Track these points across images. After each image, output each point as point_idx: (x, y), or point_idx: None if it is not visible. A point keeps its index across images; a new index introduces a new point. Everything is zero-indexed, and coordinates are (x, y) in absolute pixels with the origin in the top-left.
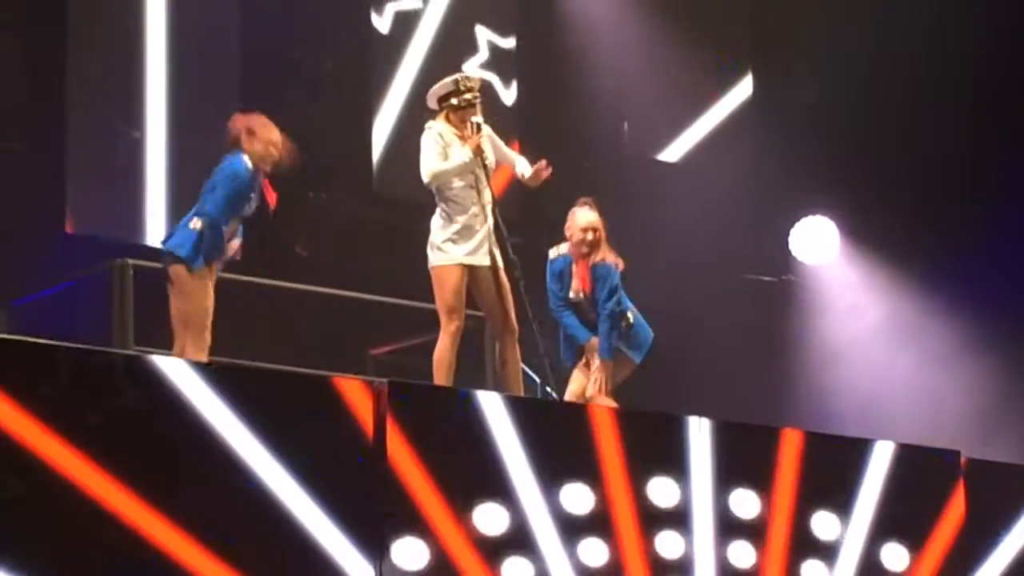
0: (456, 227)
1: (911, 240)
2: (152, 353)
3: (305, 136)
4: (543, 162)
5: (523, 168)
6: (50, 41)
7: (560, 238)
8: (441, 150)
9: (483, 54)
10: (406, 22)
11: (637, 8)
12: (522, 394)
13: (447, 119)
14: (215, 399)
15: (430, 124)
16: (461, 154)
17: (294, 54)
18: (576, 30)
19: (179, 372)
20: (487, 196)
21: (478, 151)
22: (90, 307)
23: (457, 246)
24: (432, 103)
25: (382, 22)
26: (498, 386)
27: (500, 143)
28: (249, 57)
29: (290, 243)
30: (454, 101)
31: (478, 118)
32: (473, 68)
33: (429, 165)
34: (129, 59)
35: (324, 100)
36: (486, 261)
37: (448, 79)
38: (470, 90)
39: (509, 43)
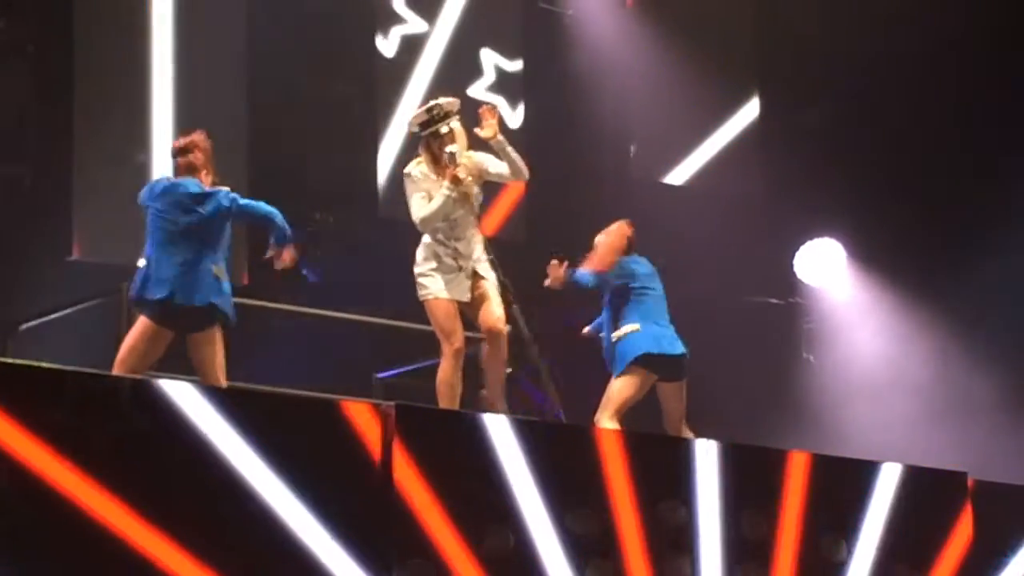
0: (433, 264)
1: (917, 262)
2: (158, 377)
3: (311, 158)
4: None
5: (496, 168)
6: (57, 67)
7: (565, 258)
8: (424, 193)
9: (489, 77)
10: (412, 45)
11: (643, 31)
12: (501, 396)
13: (428, 148)
14: (222, 423)
15: (408, 170)
16: (442, 189)
17: (300, 78)
18: (582, 53)
19: (186, 396)
20: (469, 232)
21: (455, 181)
22: (97, 332)
23: (436, 281)
24: (413, 128)
25: (388, 45)
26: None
27: (486, 157)
28: (255, 81)
29: (296, 267)
30: (432, 130)
31: (453, 147)
32: (479, 91)
33: (416, 212)
34: (136, 83)
35: (330, 124)
36: (466, 297)
37: (422, 108)
38: (444, 119)
39: (515, 66)
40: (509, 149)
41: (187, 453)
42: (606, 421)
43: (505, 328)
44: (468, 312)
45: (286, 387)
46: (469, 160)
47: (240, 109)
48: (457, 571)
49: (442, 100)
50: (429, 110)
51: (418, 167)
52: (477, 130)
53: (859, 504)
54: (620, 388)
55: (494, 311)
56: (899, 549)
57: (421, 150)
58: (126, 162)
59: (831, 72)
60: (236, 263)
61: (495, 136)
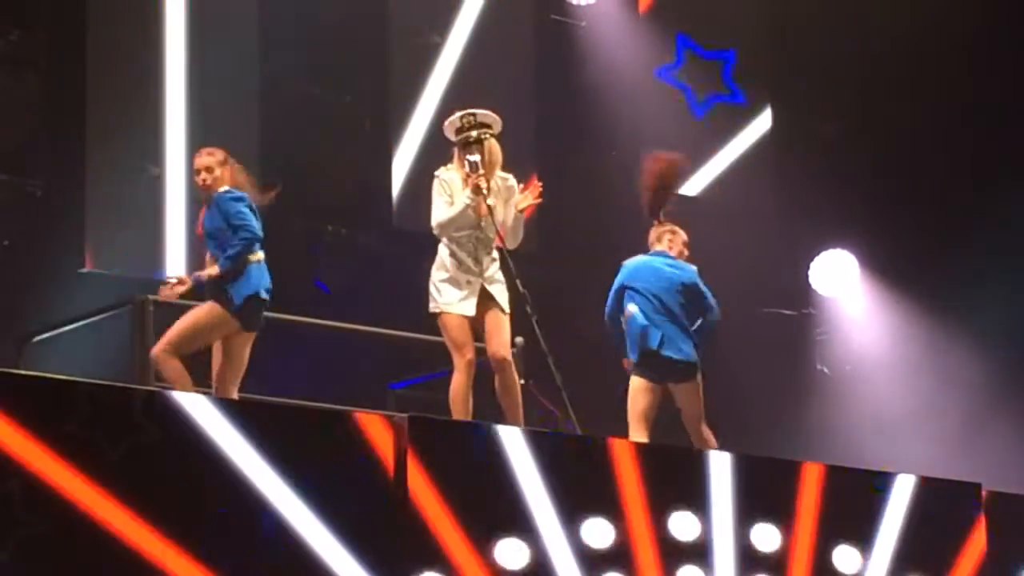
0: (444, 275)
1: (930, 273)
2: (172, 389)
3: (324, 170)
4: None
5: (504, 215)
6: (70, 79)
7: (578, 269)
8: (448, 197)
9: (502, 87)
10: (425, 56)
11: (656, 41)
12: (521, 422)
13: (458, 155)
14: (235, 434)
15: (437, 172)
16: (462, 197)
17: (313, 88)
18: (594, 63)
19: (199, 408)
20: (484, 249)
21: (476, 190)
22: (110, 343)
23: (445, 294)
24: (449, 134)
25: (401, 56)
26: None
27: (513, 208)
28: (268, 92)
29: (310, 278)
30: (462, 138)
31: (474, 157)
32: (491, 101)
33: (435, 215)
34: (148, 95)
35: (343, 134)
36: (471, 312)
37: (456, 115)
38: (471, 128)
39: (528, 77)
40: (521, 222)
41: (199, 464)
42: (634, 435)
43: (511, 356)
44: (474, 326)
45: (299, 399)
46: (504, 182)
47: (253, 121)
48: None
49: (479, 111)
50: (462, 118)
51: (448, 172)
52: (518, 195)
53: (873, 515)
54: (630, 400)
55: (500, 341)
56: (913, 560)
57: (454, 157)
58: (139, 174)
59: (844, 83)
60: None
61: (520, 208)
